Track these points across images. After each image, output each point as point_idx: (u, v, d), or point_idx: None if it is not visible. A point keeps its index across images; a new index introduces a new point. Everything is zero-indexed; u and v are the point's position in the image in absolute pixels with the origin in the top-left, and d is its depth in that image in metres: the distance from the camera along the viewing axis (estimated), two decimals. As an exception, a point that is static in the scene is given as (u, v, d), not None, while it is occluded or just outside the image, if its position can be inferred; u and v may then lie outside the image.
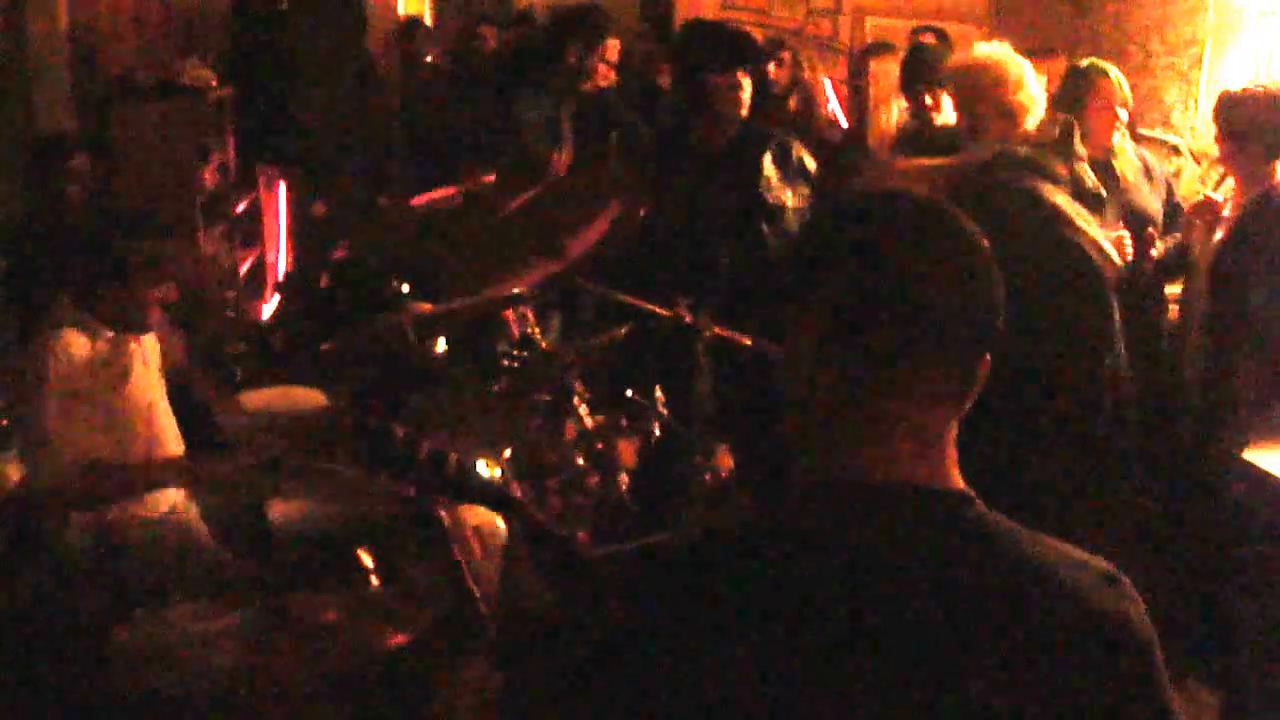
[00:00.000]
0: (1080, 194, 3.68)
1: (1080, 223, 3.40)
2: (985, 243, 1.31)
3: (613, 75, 5.29)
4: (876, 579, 1.22)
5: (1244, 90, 4.05)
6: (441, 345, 3.14)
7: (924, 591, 1.22)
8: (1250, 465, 3.30)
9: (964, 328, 1.27)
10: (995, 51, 3.72)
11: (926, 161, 3.62)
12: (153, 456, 3.43)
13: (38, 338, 3.33)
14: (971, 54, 3.83)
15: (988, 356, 1.30)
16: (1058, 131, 3.73)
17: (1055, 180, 3.38)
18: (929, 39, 6.17)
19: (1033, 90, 3.66)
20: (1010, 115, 3.58)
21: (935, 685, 1.20)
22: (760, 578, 1.23)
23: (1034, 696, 1.21)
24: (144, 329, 3.45)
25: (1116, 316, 3.57)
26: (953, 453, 1.30)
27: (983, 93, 3.59)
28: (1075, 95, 4.72)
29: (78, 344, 3.28)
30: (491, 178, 4.87)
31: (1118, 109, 4.60)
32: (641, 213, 3.49)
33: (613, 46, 5.24)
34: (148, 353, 3.51)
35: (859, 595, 1.21)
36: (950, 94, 3.79)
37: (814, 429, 1.31)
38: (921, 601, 1.21)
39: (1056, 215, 3.24)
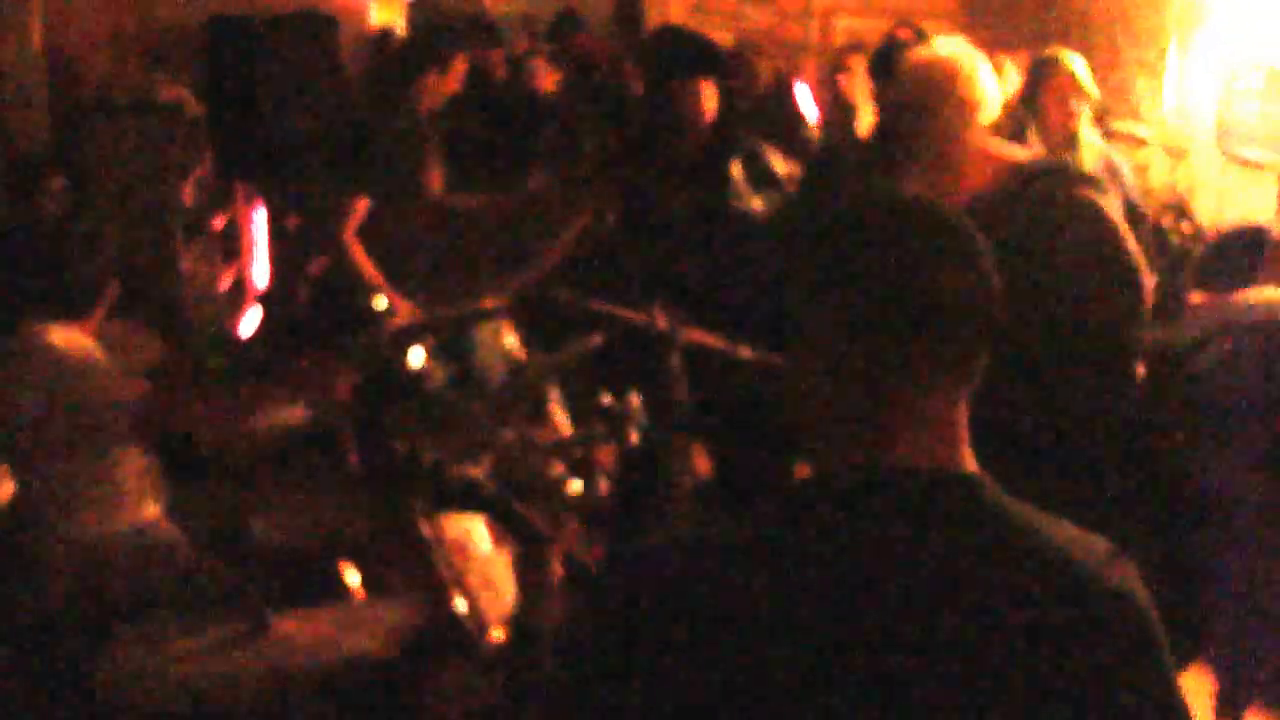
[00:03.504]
0: None
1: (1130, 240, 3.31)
2: (981, 235, 1.40)
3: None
4: (894, 564, 1.29)
5: None
6: (418, 358, 3.16)
7: (940, 573, 1.29)
8: None
9: (970, 315, 1.35)
10: (951, 45, 3.71)
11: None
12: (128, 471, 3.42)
13: (7, 361, 3.35)
14: (927, 48, 3.81)
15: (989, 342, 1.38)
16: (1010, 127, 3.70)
17: (1105, 191, 3.30)
18: (905, 34, 6.18)
19: (987, 85, 3.63)
20: (963, 108, 3.55)
21: (950, 664, 1.26)
22: (781, 568, 1.30)
23: (1045, 673, 1.27)
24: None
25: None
26: (965, 435, 1.38)
27: (936, 86, 3.56)
28: (1031, 86, 4.72)
29: (45, 364, 3.27)
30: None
31: (1072, 100, 4.56)
32: (610, 219, 3.51)
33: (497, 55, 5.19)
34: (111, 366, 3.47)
35: (877, 580, 1.28)
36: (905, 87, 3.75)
37: (828, 423, 1.37)
38: (937, 583, 1.28)
39: (1117, 231, 3.17)
